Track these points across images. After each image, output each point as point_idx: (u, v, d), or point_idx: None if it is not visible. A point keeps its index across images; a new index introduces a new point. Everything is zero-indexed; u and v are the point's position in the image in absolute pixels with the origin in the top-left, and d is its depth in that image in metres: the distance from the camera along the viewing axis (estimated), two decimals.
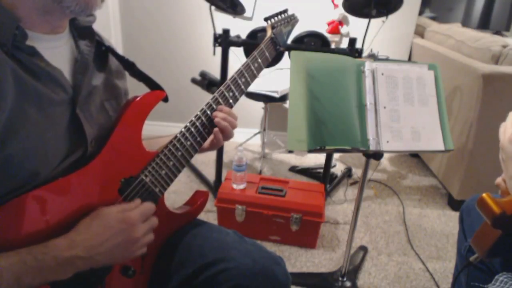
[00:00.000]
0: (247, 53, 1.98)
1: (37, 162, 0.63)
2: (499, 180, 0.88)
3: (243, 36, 1.92)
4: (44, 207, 0.64)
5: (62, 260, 0.61)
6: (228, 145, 2.50)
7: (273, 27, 1.05)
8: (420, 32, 2.74)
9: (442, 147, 1.17)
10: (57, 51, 0.70)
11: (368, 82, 1.17)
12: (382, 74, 1.17)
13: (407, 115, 1.17)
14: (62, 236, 0.64)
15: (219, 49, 1.87)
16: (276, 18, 1.08)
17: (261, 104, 2.62)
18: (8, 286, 0.57)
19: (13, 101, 0.59)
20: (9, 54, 0.60)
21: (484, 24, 3.31)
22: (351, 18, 2.51)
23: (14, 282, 0.58)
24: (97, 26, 0.80)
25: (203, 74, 2.15)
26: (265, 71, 1.83)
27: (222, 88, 0.89)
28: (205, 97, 1.08)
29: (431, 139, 1.17)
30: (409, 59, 2.68)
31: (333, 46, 2.34)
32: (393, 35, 2.59)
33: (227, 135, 0.89)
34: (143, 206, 0.74)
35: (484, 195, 0.76)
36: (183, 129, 0.84)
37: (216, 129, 0.87)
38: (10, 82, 0.59)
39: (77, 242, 0.64)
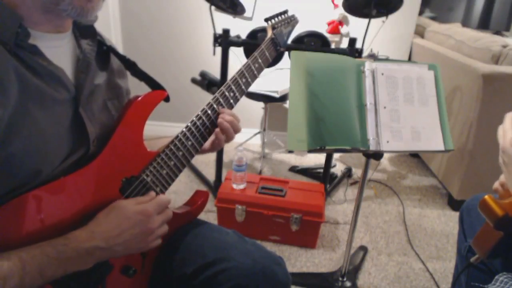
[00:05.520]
0: (247, 53, 1.98)
1: (39, 160, 0.63)
2: (496, 185, 0.89)
3: (243, 36, 1.92)
4: (46, 206, 0.64)
5: (82, 251, 0.63)
6: (228, 145, 2.49)
7: (273, 28, 1.05)
8: (420, 32, 2.74)
9: (442, 147, 1.17)
10: (59, 50, 0.71)
11: (368, 82, 1.17)
12: (382, 74, 1.17)
13: (407, 115, 1.17)
14: (81, 228, 0.65)
15: (219, 49, 1.87)
16: (276, 19, 1.08)
17: (261, 104, 2.62)
18: (32, 278, 0.58)
19: (16, 99, 0.59)
20: (11, 53, 0.60)
21: (484, 24, 3.31)
22: (351, 18, 2.51)
23: (37, 274, 0.59)
24: (97, 26, 0.80)
25: (203, 74, 2.15)
26: (265, 71, 1.83)
27: (223, 88, 0.89)
28: (205, 97, 1.09)
29: (431, 139, 1.17)
30: (409, 59, 2.69)
31: (333, 46, 2.34)
32: (393, 35, 2.59)
33: (229, 137, 0.89)
34: (159, 198, 0.76)
35: (486, 197, 0.76)
36: (184, 129, 0.84)
37: (217, 129, 0.87)
38: (13, 80, 0.59)
39: (96, 233, 0.65)
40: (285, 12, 1.12)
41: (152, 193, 0.77)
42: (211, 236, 0.89)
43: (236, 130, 0.89)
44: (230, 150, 2.48)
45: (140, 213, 0.70)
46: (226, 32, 1.83)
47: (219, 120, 0.86)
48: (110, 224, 0.67)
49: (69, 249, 0.62)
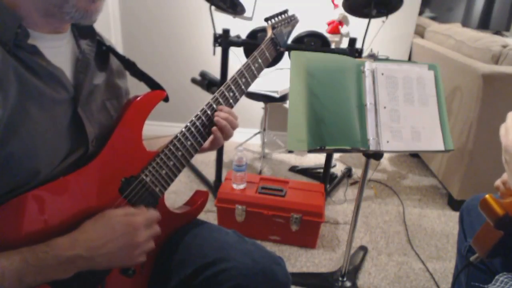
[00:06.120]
0: (247, 53, 1.98)
1: (37, 161, 0.63)
2: (498, 182, 0.89)
3: (243, 36, 1.92)
4: (45, 207, 0.64)
5: (63, 259, 0.62)
6: (228, 145, 2.50)
7: (273, 28, 1.05)
8: (420, 32, 2.74)
9: (442, 147, 1.17)
10: (58, 50, 0.70)
11: (368, 82, 1.17)
12: (382, 74, 1.17)
13: (407, 115, 1.17)
14: (65, 235, 0.64)
15: (219, 49, 1.87)
16: (276, 19, 1.08)
17: (261, 104, 2.62)
18: (10, 284, 0.57)
19: (15, 99, 0.59)
20: (10, 53, 0.60)
21: (484, 24, 3.31)
22: (351, 18, 2.51)
23: (15, 281, 0.58)
24: (97, 26, 0.80)
25: (203, 74, 2.15)
26: (265, 71, 1.83)
27: (222, 88, 0.89)
28: (205, 97, 1.08)
29: (431, 139, 1.17)
30: (409, 59, 2.69)
31: (333, 46, 2.34)
32: (393, 35, 2.59)
33: (227, 134, 0.89)
34: (149, 212, 0.74)
35: (487, 196, 0.76)
36: (183, 129, 0.84)
37: (214, 127, 0.87)
38: (12, 80, 0.59)
39: (79, 241, 0.64)
40: (285, 11, 1.12)
41: (143, 207, 0.76)
42: (211, 236, 0.89)
43: (233, 126, 0.89)
44: (230, 150, 2.48)
45: (127, 225, 0.69)
46: (226, 32, 1.83)
47: (215, 118, 0.86)
48: (94, 233, 0.66)
49: (50, 256, 0.60)
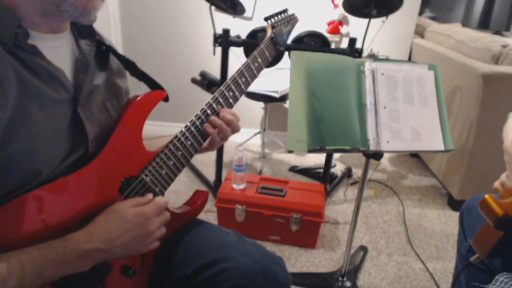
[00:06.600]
0: (247, 53, 1.98)
1: (38, 161, 0.63)
2: (496, 184, 0.89)
3: (243, 36, 1.92)
4: (45, 207, 0.64)
5: (81, 253, 0.63)
6: (228, 145, 2.50)
7: (273, 27, 1.05)
8: (420, 32, 2.74)
9: (442, 147, 1.17)
10: (58, 50, 0.71)
11: (368, 82, 1.17)
12: (382, 74, 1.17)
13: (407, 115, 1.17)
14: (81, 230, 0.66)
15: (219, 49, 1.87)
16: (276, 18, 1.08)
17: (261, 104, 2.62)
18: (31, 279, 0.58)
19: (15, 100, 0.59)
20: (10, 53, 0.60)
21: (484, 24, 3.31)
22: (351, 18, 2.51)
23: (36, 276, 0.59)
24: (97, 26, 0.80)
25: (203, 74, 2.15)
26: (265, 71, 1.83)
27: (222, 88, 0.89)
28: (205, 97, 1.08)
29: (431, 139, 1.17)
30: (409, 59, 2.69)
31: (333, 46, 2.34)
32: (393, 35, 2.59)
33: (225, 135, 0.88)
34: (157, 200, 0.76)
35: (486, 196, 0.76)
36: (183, 129, 0.84)
37: (211, 129, 0.86)
38: (12, 81, 0.59)
39: (95, 235, 0.66)
40: (285, 11, 1.12)
41: (150, 195, 0.77)
42: (211, 236, 0.89)
43: (236, 129, 0.89)
44: (230, 150, 2.48)
45: (139, 216, 0.71)
46: (226, 32, 1.83)
47: (212, 117, 0.85)
48: (109, 226, 0.68)
49: (68, 251, 0.62)
